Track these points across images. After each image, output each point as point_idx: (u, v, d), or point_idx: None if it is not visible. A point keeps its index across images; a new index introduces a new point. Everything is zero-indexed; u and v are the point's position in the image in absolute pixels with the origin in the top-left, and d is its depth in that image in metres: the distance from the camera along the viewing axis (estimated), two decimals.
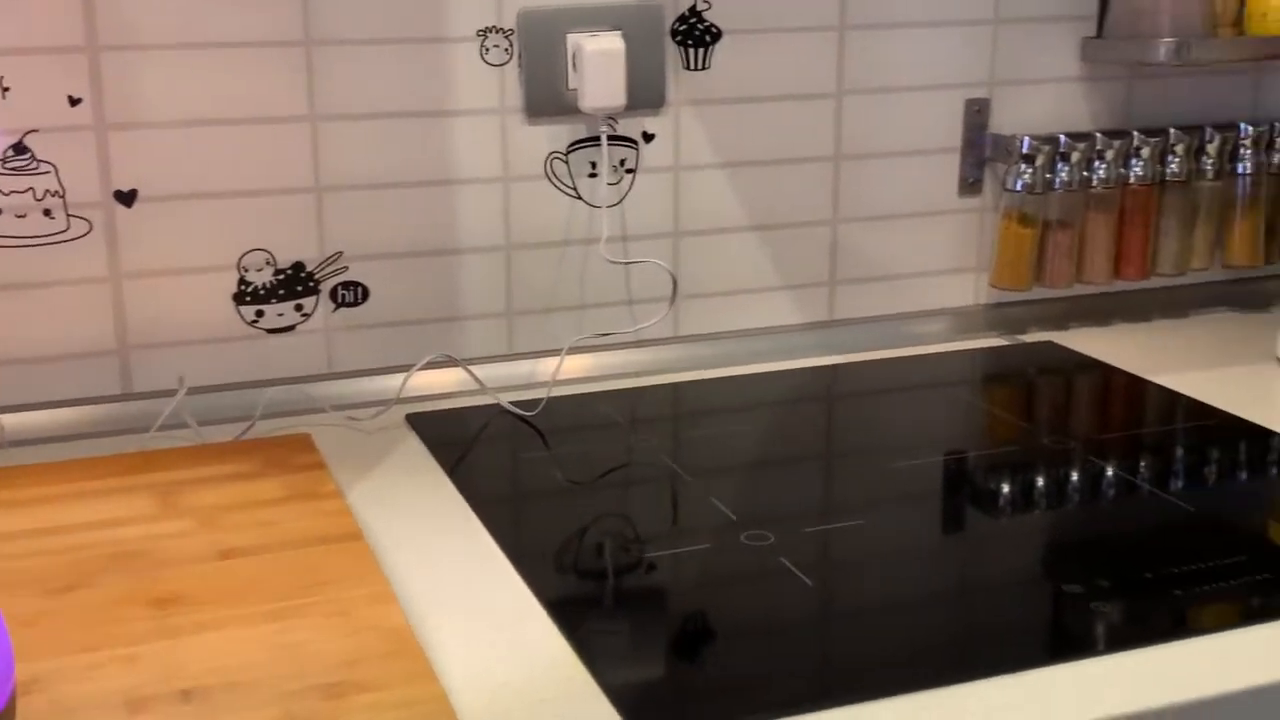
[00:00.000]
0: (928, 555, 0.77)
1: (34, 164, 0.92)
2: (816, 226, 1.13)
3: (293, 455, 0.87)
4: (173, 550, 0.74)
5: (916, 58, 1.13)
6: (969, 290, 1.20)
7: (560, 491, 0.87)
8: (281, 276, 1.00)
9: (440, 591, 0.73)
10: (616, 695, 0.62)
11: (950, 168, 1.16)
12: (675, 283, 1.09)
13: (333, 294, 1.01)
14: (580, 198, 1.06)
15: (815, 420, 1.01)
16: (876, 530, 0.80)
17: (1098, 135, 1.15)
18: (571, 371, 1.07)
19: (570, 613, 0.70)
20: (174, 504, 0.80)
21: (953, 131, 1.16)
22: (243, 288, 0.99)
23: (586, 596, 0.73)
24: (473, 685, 0.63)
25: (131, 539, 0.75)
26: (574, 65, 1.02)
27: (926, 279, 1.18)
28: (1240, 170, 1.20)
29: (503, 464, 0.92)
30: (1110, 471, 0.89)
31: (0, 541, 0.74)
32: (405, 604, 0.71)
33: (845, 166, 1.13)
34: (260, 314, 1.00)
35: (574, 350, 1.07)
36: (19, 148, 0.91)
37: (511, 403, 1.00)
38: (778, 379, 1.09)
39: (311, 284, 1.01)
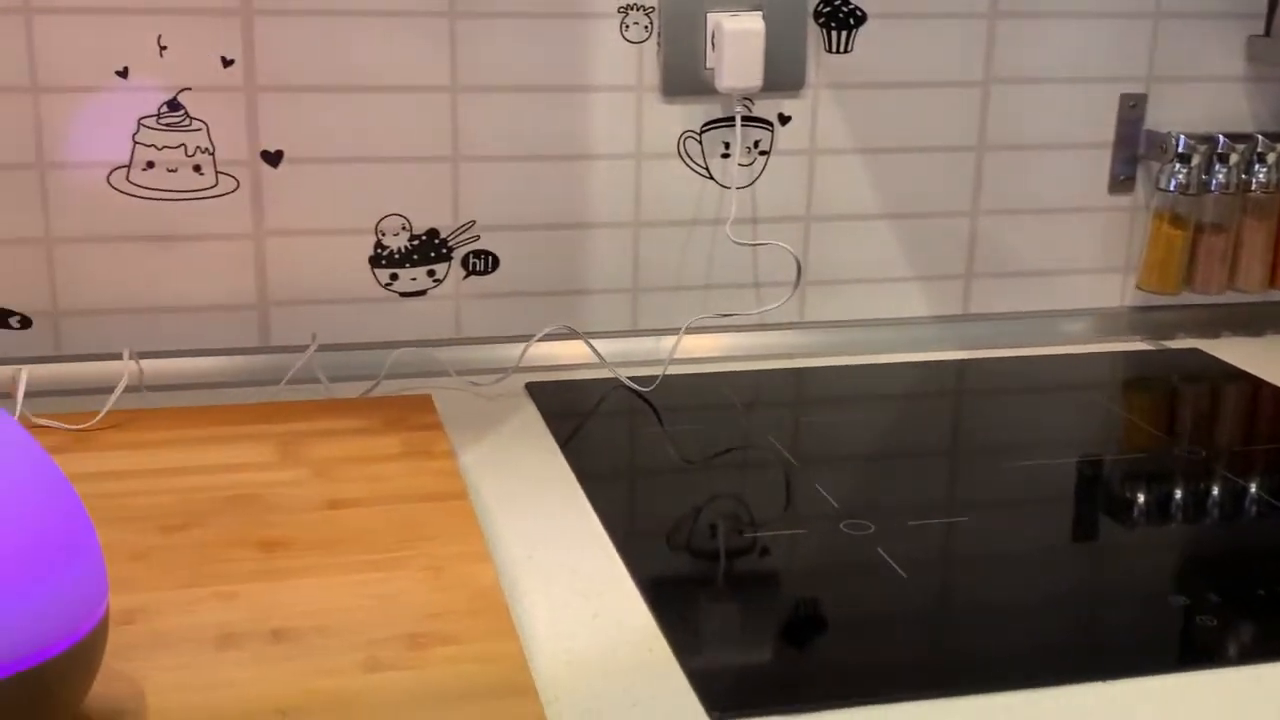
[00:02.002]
0: (1032, 557, 0.75)
1: (187, 121, 0.96)
2: (954, 218, 1.11)
3: (412, 415, 0.90)
4: (285, 497, 0.76)
5: (1070, 49, 1.09)
6: (1114, 291, 1.16)
7: (668, 469, 0.87)
8: (416, 242, 1.02)
9: (535, 557, 0.74)
10: (694, 674, 0.62)
11: (1100, 164, 1.13)
12: (800, 266, 1.08)
13: (464, 261, 1.04)
14: (712, 177, 1.06)
15: (938, 415, 0.99)
16: (982, 528, 0.78)
17: (1259, 137, 1.10)
18: (693, 351, 1.07)
19: (659, 590, 0.70)
20: (293, 453, 0.83)
21: (1105, 126, 1.12)
22: (379, 251, 1.02)
23: (678, 575, 0.73)
24: (552, 649, 0.64)
25: (247, 484, 0.78)
26: (713, 44, 1.02)
27: (1069, 277, 1.14)
28: None
29: (615, 438, 0.93)
30: (1248, 487, 0.85)
31: (124, 479, 0.78)
32: (499, 566, 0.72)
33: (989, 157, 1.10)
34: (394, 277, 1.03)
35: (694, 329, 1.07)
36: (173, 104, 0.95)
37: (630, 378, 1.01)
38: (903, 371, 1.07)
39: (445, 251, 1.03)
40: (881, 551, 0.74)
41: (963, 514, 0.80)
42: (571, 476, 0.85)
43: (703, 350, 1.07)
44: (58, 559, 0.49)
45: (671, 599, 0.69)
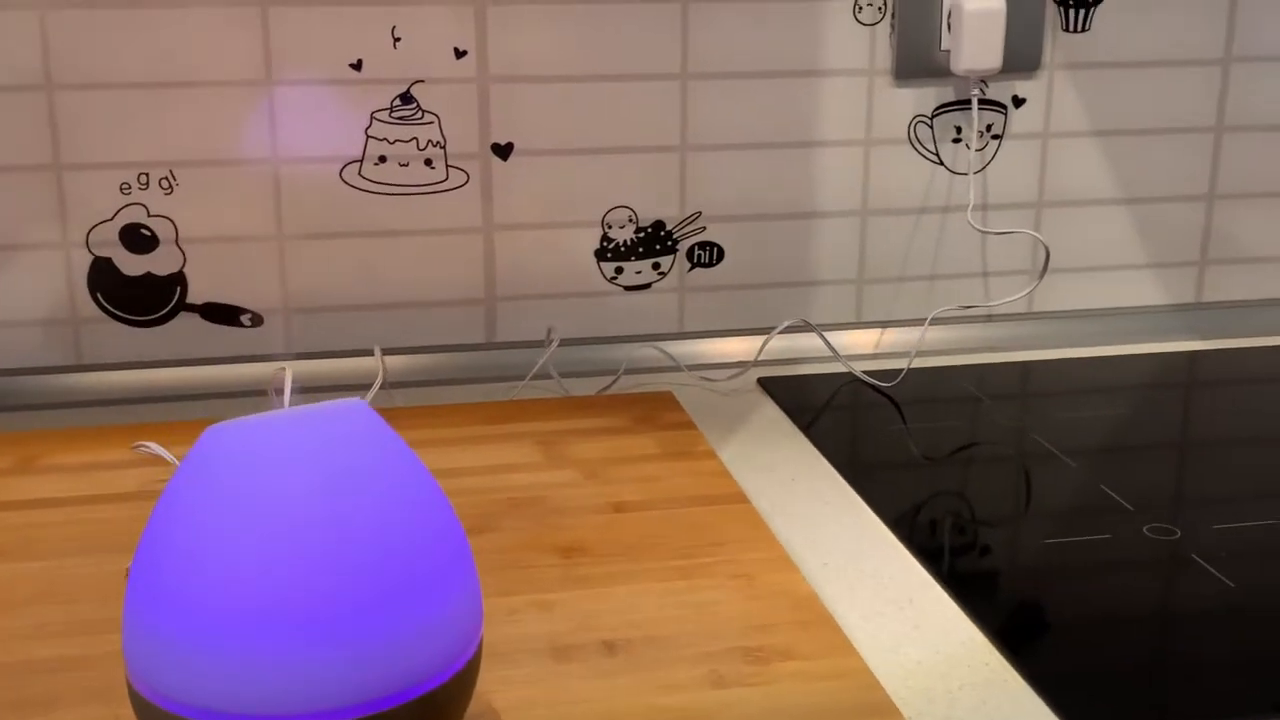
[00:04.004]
0: None
1: (419, 114, 0.94)
2: (1189, 202, 1.07)
3: (660, 413, 0.87)
4: (566, 499, 0.74)
5: None
6: None
7: (934, 467, 0.84)
8: (642, 234, 1.00)
9: (830, 562, 0.71)
10: (1050, 694, 0.59)
11: None
12: (1048, 254, 1.04)
13: (689, 254, 1.01)
14: (942, 163, 1.02)
15: (1172, 407, 0.95)
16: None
17: None
18: (913, 344, 1.03)
19: (974, 597, 0.67)
20: (557, 453, 0.81)
21: None
22: (605, 244, 0.99)
23: (988, 581, 0.70)
24: (884, 662, 0.61)
25: (525, 486, 0.76)
26: (949, 25, 0.98)
27: None
28: None
29: (869, 434, 0.90)
30: None
31: None
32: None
33: (1228, 139, 1.05)
34: (620, 270, 1.00)
35: (939, 321, 1.03)
36: (405, 97, 0.94)
37: (864, 372, 0.97)
38: (1142, 362, 1.03)
39: (670, 243, 1.00)
40: (1198, 558, 0.71)
41: (1266, 517, 0.76)
42: (837, 476, 0.82)
43: (926, 343, 1.04)
44: (452, 582, 0.47)
45: (990, 606, 0.66)
